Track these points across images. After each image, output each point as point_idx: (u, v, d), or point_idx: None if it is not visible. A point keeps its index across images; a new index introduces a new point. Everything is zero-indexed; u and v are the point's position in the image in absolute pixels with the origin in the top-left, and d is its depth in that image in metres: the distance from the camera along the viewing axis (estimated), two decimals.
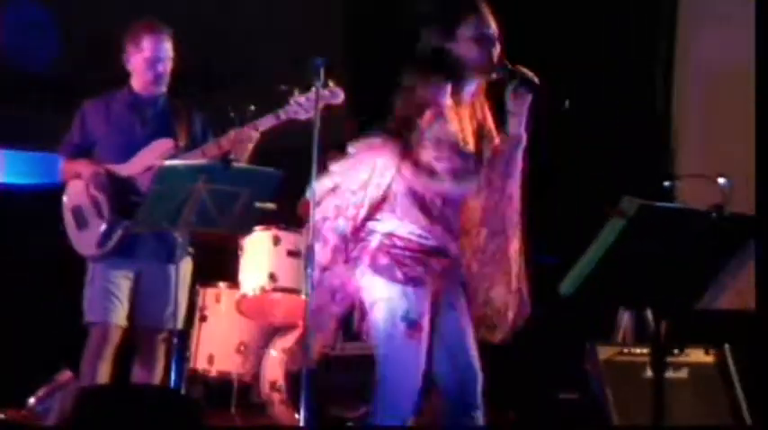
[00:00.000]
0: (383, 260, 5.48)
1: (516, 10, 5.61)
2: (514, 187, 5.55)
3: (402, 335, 5.42)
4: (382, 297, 5.48)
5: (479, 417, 5.58)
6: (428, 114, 5.40)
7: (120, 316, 6.95)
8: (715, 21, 9.09)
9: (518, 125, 5.49)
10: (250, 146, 6.90)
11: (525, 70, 5.45)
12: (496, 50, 5.49)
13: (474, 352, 5.59)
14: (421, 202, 5.47)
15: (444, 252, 5.50)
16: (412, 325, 5.41)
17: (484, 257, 5.59)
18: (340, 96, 6.81)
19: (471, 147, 5.51)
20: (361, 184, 5.46)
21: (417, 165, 5.40)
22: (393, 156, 5.38)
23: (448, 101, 5.44)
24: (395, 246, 5.47)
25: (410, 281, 5.44)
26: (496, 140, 5.55)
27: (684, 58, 9.37)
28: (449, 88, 5.45)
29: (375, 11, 10.02)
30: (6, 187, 5.40)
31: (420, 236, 5.47)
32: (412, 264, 5.46)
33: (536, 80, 5.43)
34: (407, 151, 5.37)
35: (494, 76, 5.50)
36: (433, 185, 5.43)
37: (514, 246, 5.60)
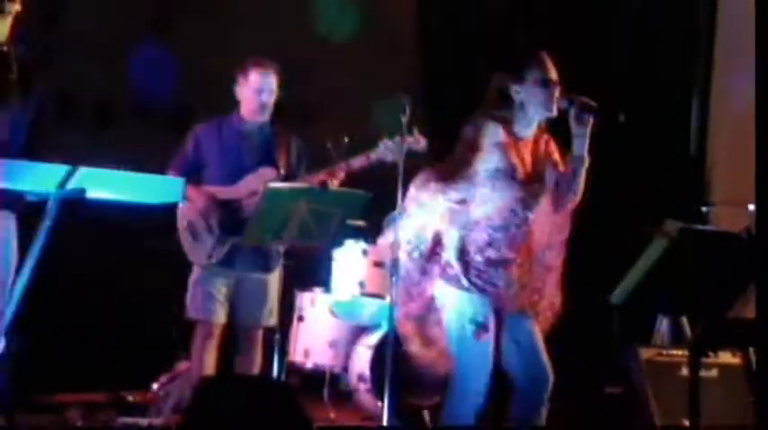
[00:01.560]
0: (452, 270, 5.51)
1: (569, 60, 5.59)
2: (574, 204, 5.57)
3: (470, 336, 5.45)
4: (452, 302, 5.51)
5: (544, 413, 5.58)
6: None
7: (220, 316, 6.96)
8: (747, 70, 9.02)
9: (582, 146, 5.51)
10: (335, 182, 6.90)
11: (583, 97, 5.46)
12: (557, 92, 5.50)
13: (545, 354, 5.60)
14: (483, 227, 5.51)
15: (507, 262, 5.50)
16: (479, 327, 5.43)
17: (538, 267, 5.60)
18: (422, 143, 6.83)
19: (529, 177, 5.52)
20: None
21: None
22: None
23: (504, 137, 5.47)
24: (462, 258, 5.50)
25: (475, 287, 5.47)
26: (561, 167, 5.56)
27: (719, 97, 9.31)
28: (499, 129, 5.48)
29: (453, 54, 9.99)
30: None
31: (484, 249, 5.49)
32: (477, 273, 5.48)
33: (593, 104, 5.44)
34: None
35: (555, 111, 5.52)
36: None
37: (562, 258, 5.61)
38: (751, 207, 5.29)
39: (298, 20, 9.78)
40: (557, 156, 5.63)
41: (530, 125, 5.58)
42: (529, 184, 5.52)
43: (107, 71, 9.11)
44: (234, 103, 7.14)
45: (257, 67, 7.04)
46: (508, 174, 5.48)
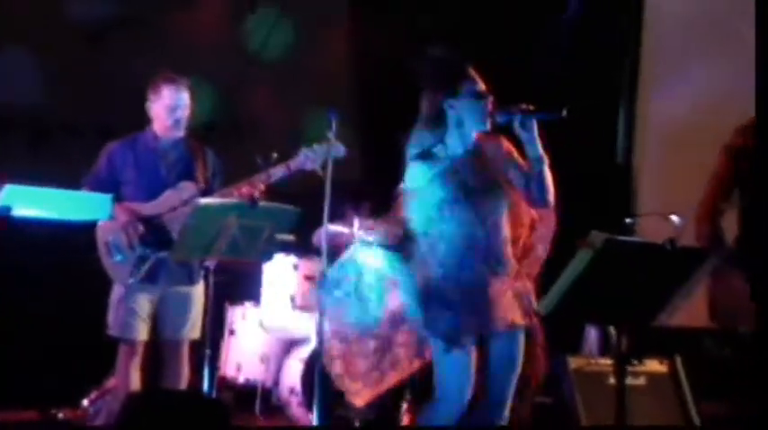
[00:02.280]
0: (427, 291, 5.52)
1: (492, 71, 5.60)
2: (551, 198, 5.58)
3: (442, 350, 5.46)
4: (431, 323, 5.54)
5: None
6: None
7: (143, 333, 6.91)
8: (673, 80, 9.07)
9: (535, 149, 5.49)
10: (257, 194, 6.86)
11: (521, 105, 5.47)
12: (489, 104, 5.50)
13: (512, 375, 5.62)
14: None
15: (481, 283, 5.49)
16: (449, 342, 5.44)
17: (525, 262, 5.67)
18: (341, 151, 6.79)
19: (479, 189, 5.51)
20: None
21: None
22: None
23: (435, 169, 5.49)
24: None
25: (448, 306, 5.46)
26: (524, 164, 5.57)
27: (644, 110, 9.35)
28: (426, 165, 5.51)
29: (382, 72, 10.02)
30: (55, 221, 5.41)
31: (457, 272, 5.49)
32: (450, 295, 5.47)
33: (531, 107, 5.45)
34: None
35: (489, 125, 5.53)
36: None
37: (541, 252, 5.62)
38: (674, 218, 5.31)
39: (232, 40, 9.81)
40: (515, 155, 5.62)
41: (466, 141, 5.56)
42: (479, 196, 5.52)
43: (41, 89, 9.10)
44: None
45: (169, 82, 6.98)
46: (457, 198, 5.47)
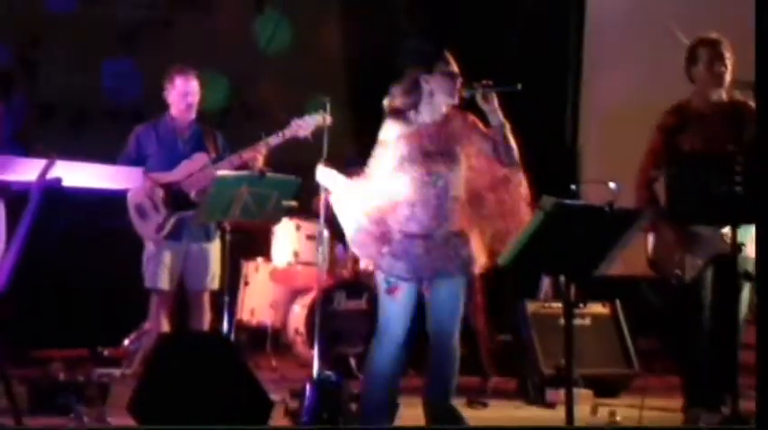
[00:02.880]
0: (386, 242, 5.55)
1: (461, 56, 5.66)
2: (515, 156, 5.61)
3: (384, 293, 5.54)
4: (377, 265, 5.59)
5: (455, 360, 5.67)
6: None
7: (170, 282, 6.98)
8: (613, 63, 9.06)
9: (496, 117, 5.56)
10: (259, 159, 6.89)
11: (482, 82, 5.54)
12: (458, 83, 5.55)
13: (456, 311, 5.64)
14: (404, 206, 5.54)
15: (430, 235, 5.52)
16: (389, 285, 5.51)
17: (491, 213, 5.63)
18: (328, 120, 6.79)
19: (439, 155, 5.54)
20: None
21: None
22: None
23: (403, 130, 5.54)
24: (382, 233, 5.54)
25: (392, 256, 5.50)
26: (489, 133, 5.60)
27: (587, 94, 9.34)
28: (397, 125, 5.56)
29: (370, 62, 10.02)
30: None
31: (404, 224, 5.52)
32: (396, 245, 5.51)
33: (491, 83, 5.52)
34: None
35: (457, 99, 5.58)
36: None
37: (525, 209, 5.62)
38: (612, 184, 5.36)
39: (243, 37, 9.79)
40: (481, 126, 5.65)
41: (436, 111, 5.60)
42: (439, 161, 5.53)
43: (82, 80, 9.11)
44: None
45: (180, 73, 7.10)
46: (414, 158, 5.51)
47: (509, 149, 5.58)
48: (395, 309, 5.55)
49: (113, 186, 5.51)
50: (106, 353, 7.93)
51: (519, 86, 5.45)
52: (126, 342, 7.76)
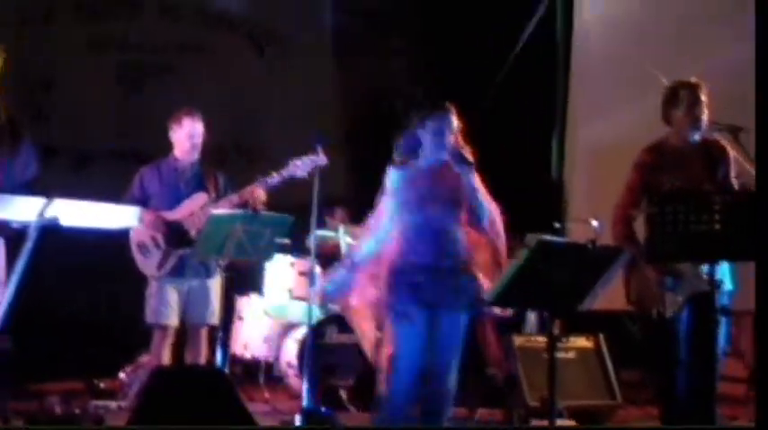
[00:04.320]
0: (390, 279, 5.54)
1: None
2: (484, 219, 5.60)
3: (394, 322, 5.49)
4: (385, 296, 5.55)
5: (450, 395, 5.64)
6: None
7: (173, 319, 6.96)
8: (600, 102, 9.07)
9: (469, 180, 5.55)
10: (262, 198, 6.91)
11: (460, 151, 5.54)
12: (448, 139, 5.56)
13: (454, 349, 5.60)
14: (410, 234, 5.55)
15: (431, 267, 5.52)
16: (398, 315, 5.48)
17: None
18: (324, 160, 6.84)
19: (443, 196, 5.56)
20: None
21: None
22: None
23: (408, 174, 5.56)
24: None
25: (404, 287, 5.51)
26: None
27: (574, 134, 9.36)
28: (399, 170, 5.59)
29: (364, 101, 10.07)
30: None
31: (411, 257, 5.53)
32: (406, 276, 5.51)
33: (468, 158, 5.51)
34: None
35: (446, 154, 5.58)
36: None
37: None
38: (594, 222, 5.37)
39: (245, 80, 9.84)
40: (482, 189, 5.64)
41: (429, 161, 5.62)
42: (443, 202, 5.55)
43: (86, 123, 9.14)
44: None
45: (188, 116, 7.10)
46: (419, 199, 5.54)
47: (480, 218, 5.59)
48: (407, 341, 5.49)
49: (110, 225, 5.50)
50: (102, 385, 7.87)
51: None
52: (122, 375, 7.73)
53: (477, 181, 5.58)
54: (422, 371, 5.50)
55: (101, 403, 7.15)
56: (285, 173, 6.88)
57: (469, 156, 5.53)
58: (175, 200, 7.05)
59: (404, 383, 5.51)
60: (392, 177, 5.63)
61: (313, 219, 6.20)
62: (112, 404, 7.31)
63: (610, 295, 5.91)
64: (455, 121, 5.60)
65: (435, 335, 5.54)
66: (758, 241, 5.07)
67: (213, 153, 7.36)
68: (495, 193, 5.68)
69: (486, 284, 5.49)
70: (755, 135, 5.23)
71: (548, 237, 4.89)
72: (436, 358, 5.57)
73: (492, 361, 7.47)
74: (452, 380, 5.61)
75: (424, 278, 5.50)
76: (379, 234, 5.61)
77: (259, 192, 6.88)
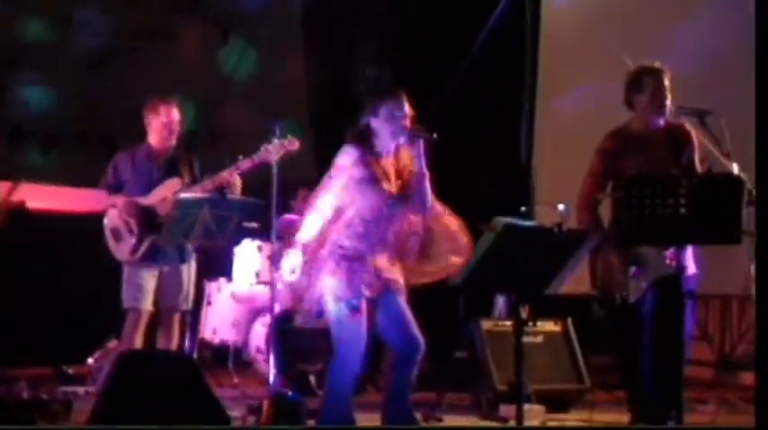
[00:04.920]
0: (332, 264, 5.50)
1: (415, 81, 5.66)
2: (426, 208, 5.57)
3: (345, 316, 5.47)
4: (331, 290, 5.50)
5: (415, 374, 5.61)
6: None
7: (148, 303, 6.93)
8: (567, 86, 9.06)
9: (418, 164, 5.54)
10: (238, 184, 6.88)
11: (413, 127, 5.53)
12: (402, 124, 5.54)
13: (414, 323, 5.60)
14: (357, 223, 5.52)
15: (367, 256, 5.51)
16: (353, 309, 5.45)
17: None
18: (295, 144, 6.82)
19: (392, 183, 5.53)
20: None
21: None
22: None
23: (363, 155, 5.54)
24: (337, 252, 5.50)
25: (347, 275, 5.48)
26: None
27: (542, 118, 9.34)
28: (357, 149, 5.54)
29: (330, 88, 10.06)
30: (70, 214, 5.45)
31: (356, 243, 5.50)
32: (349, 263, 5.48)
33: (421, 132, 5.50)
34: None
35: (402, 139, 5.56)
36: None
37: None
38: (561, 206, 5.35)
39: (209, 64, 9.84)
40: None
41: (385, 148, 5.60)
42: (392, 189, 5.54)
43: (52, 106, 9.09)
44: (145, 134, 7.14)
45: (165, 103, 7.08)
46: (371, 181, 5.51)
47: (424, 198, 5.57)
48: (355, 330, 5.50)
49: (78, 209, 5.47)
50: (71, 371, 7.82)
51: (435, 136, 5.42)
52: (90, 360, 7.69)
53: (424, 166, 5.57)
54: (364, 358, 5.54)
55: (69, 389, 7.11)
56: (257, 158, 6.84)
57: (423, 135, 5.51)
58: (149, 186, 7.04)
59: (348, 374, 5.55)
60: (344, 156, 5.58)
61: (273, 203, 6.16)
62: (80, 389, 7.28)
63: (578, 279, 5.94)
64: (407, 107, 5.58)
65: (394, 317, 5.57)
66: (759, 242, 5.07)
67: (181, 138, 7.30)
68: (464, 178, 5.67)
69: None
70: (755, 135, 5.22)
71: (514, 221, 4.87)
72: (406, 336, 5.58)
73: None
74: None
75: (374, 266, 5.51)
76: (324, 211, 5.57)
77: (236, 179, 6.84)
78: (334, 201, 5.55)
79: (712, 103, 6.31)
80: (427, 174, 5.55)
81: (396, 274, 5.57)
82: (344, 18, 10.43)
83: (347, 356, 5.53)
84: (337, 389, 5.59)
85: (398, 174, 5.61)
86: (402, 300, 5.60)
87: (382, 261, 5.54)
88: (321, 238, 5.56)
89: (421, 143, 5.52)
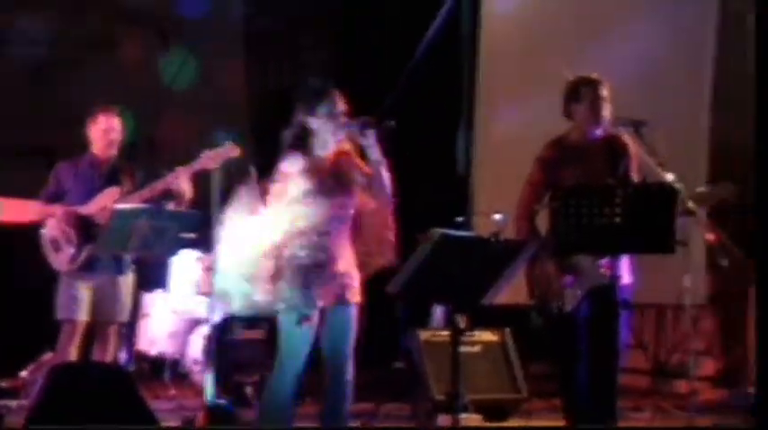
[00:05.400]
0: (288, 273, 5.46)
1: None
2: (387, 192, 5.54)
3: (295, 325, 5.42)
4: (284, 298, 5.45)
5: (348, 386, 5.57)
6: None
7: (83, 314, 6.84)
8: (506, 96, 9.07)
9: (373, 153, 5.50)
10: (187, 193, 6.82)
11: (361, 117, 5.52)
12: (341, 121, 5.53)
13: (350, 339, 5.56)
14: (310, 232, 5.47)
15: (326, 265, 5.46)
16: (304, 317, 5.40)
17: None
18: (236, 151, 6.78)
19: (336, 186, 5.51)
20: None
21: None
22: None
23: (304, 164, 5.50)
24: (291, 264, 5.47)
25: (301, 286, 5.44)
26: (367, 170, 5.56)
27: (483, 129, 9.35)
28: (299, 158, 5.51)
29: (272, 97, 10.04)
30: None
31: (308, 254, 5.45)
32: (303, 275, 5.44)
33: (369, 120, 5.48)
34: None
35: (342, 135, 5.54)
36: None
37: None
38: (497, 216, 5.37)
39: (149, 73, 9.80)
40: (359, 162, 5.61)
41: (325, 146, 5.57)
42: (336, 192, 5.51)
43: None
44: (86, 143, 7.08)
45: (105, 112, 7.04)
46: (317, 190, 5.47)
47: (383, 186, 5.54)
48: (301, 341, 5.47)
49: (15, 219, 5.39)
50: (4, 384, 7.70)
51: (392, 123, 5.41)
52: (24, 373, 7.61)
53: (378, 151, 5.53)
54: (305, 369, 5.50)
55: (1, 402, 7.00)
56: (197, 165, 6.80)
57: (376, 124, 5.50)
58: (90, 194, 6.97)
59: (289, 384, 5.51)
60: (292, 163, 5.54)
61: (215, 210, 6.11)
62: (13, 403, 7.20)
63: (517, 289, 5.95)
64: (342, 103, 5.58)
65: (331, 331, 5.53)
66: (758, 244, 5.10)
67: (122, 148, 7.24)
68: (403, 189, 5.65)
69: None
70: (756, 134, 5.26)
71: (450, 231, 4.86)
72: (333, 352, 5.55)
73: None
74: (350, 371, 5.58)
75: (325, 276, 5.45)
76: (274, 225, 5.51)
77: (184, 187, 6.80)
78: (285, 209, 5.50)
79: (648, 114, 6.35)
80: (384, 162, 5.51)
81: (353, 279, 5.52)
82: (287, 27, 10.42)
83: (289, 367, 5.49)
84: (275, 400, 5.55)
85: (338, 173, 5.58)
86: (351, 312, 5.56)
87: (343, 265, 5.50)
88: (277, 247, 5.52)
89: (373, 133, 5.49)
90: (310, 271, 5.43)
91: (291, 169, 5.52)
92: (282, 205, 5.49)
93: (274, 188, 5.54)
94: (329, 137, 5.56)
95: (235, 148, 6.76)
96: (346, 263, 5.52)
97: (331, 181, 5.53)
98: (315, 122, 5.56)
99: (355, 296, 5.55)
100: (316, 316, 5.44)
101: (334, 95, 5.60)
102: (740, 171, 7.36)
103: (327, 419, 5.63)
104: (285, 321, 5.47)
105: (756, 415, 4.98)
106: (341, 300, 5.51)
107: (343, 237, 5.52)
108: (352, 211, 5.56)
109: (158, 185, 6.80)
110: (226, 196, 5.92)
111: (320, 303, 5.43)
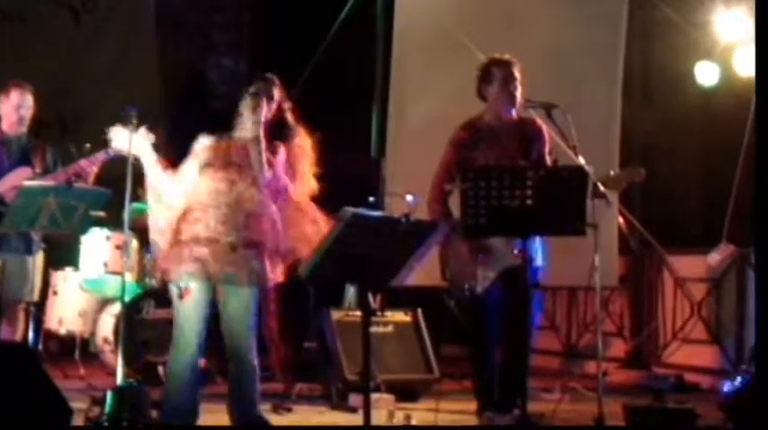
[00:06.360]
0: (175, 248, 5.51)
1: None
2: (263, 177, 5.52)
3: (177, 298, 5.49)
4: (173, 272, 5.51)
5: (253, 365, 5.57)
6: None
7: None
8: (420, 78, 9.08)
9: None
10: (92, 174, 6.74)
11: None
12: (263, 103, 5.52)
13: (247, 318, 5.56)
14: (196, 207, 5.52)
15: (217, 240, 5.45)
16: (180, 290, 5.46)
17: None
18: (151, 136, 6.70)
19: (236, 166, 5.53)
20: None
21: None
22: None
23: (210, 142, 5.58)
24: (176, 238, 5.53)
25: (180, 259, 5.48)
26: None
27: (398, 110, 9.35)
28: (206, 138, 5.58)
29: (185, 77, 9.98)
30: None
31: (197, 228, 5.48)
32: (189, 250, 5.46)
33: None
34: None
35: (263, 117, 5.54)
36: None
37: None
38: (409, 197, 5.38)
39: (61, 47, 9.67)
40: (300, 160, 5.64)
41: (243, 129, 5.56)
42: (237, 173, 5.52)
43: None
44: None
45: (16, 87, 6.99)
46: (215, 165, 5.52)
47: (257, 168, 5.51)
48: (187, 314, 5.52)
49: None
50: None
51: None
52: None
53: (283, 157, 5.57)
54: (202, 345, 5.53)
55: None
56: (111, 151, 6.70)
57: (292, 130, 5.49)
58: (0, 174, 6.90)
59: (184, 359, 5.53)
60: (200, 140, 5.63)
61: (128, 193, 6.05)
62: None
63: (431, 271, 5.97)
64: (276, 93, 5.55)
65: (225, 315, 5.56)
66: (758, 242, 5.14)
67: (33, 125, 7.20)
68: (316, 169, 5.64)
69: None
70: (756, 134, 5.28)
71: (361, 211, 4.85)
72: (230, 338, 5.58)
73: (270, 337, 7.45)
74: (252, 356, 5.59)
75: (208, 252, 5.46)
76: (177, 197, 5.57)
77: (93, 170, 6.74)
78: (185, 183, 5.56)
79: (560, 99, 6.40)
80: (260, 139, 5.48)
81: (236, 265, 5.47)
82: (199, 6, 10.35)
83: (180, 339, 5.53)
84: (174, 374, 5.56)
85: (245, 155, 5.55)
86: (248, 294, 5.55)
87: (216, 248, 5.46)
88: (171, 221, 5.55)
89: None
90: (183, 245, 5.48)
91: (197, 147, 5.61)
92: (181, 180, 5.57)
93: (182, 165, 5.61)
94: (248, 116, 5.55)
95: (150, 135, 6.69)
96: (240, 242, 5.47)
97: (237, 160, 5.54)
98: (242, 106, 5.58)
99: (259, 279, 5.53)
100: (193, 289, 5.44)
101: (268, 82, 5.61)
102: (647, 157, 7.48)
103: (235, 401, 5.64)
104: (174, 295, 5.54)
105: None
106: (230, 281, 5.49)
107: (240, 218, 5.49)
108: (256, 197, 5.53)
109: (73, 168, 6.73)
110: (136, 178, 5.90)
111: (199, 275, 5.43)
